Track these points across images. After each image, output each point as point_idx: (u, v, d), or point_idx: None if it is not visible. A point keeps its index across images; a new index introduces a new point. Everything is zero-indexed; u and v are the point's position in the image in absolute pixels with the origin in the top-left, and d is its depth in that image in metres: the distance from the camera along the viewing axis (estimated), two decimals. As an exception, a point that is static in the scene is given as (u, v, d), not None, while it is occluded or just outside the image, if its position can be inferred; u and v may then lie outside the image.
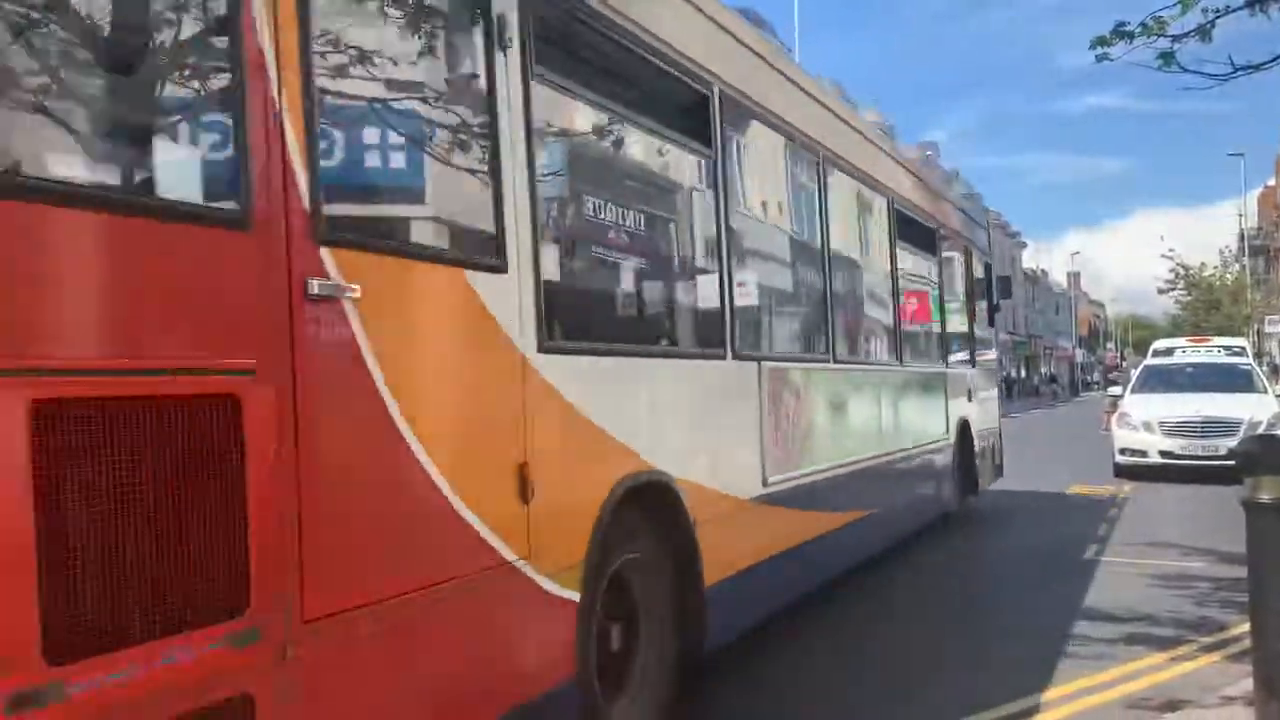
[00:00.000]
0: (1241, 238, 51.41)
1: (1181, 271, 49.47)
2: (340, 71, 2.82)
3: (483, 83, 3.35)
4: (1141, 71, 6.59)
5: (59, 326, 2.02)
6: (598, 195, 4.42)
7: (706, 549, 4.49)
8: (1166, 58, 6.22)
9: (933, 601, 7.26)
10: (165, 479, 2.16)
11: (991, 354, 12.90)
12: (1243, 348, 18.54)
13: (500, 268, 3.33)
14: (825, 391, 6.62)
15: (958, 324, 10.80)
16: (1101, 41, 6.28)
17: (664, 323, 4.99)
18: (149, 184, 2.34)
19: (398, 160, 3.13)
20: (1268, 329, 40.60)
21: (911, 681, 5.19)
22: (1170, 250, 51.81)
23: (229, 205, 2.37)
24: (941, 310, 10.03)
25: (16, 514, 1.88)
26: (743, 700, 4.88)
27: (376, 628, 2.70)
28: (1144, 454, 14.39)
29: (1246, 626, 4.60)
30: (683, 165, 5.13)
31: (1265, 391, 15.66)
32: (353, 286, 2.65)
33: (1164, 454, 14.18)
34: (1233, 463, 12.39)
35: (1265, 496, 4.00)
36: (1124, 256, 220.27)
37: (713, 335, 5.07)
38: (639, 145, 4.80)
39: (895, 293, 8.44)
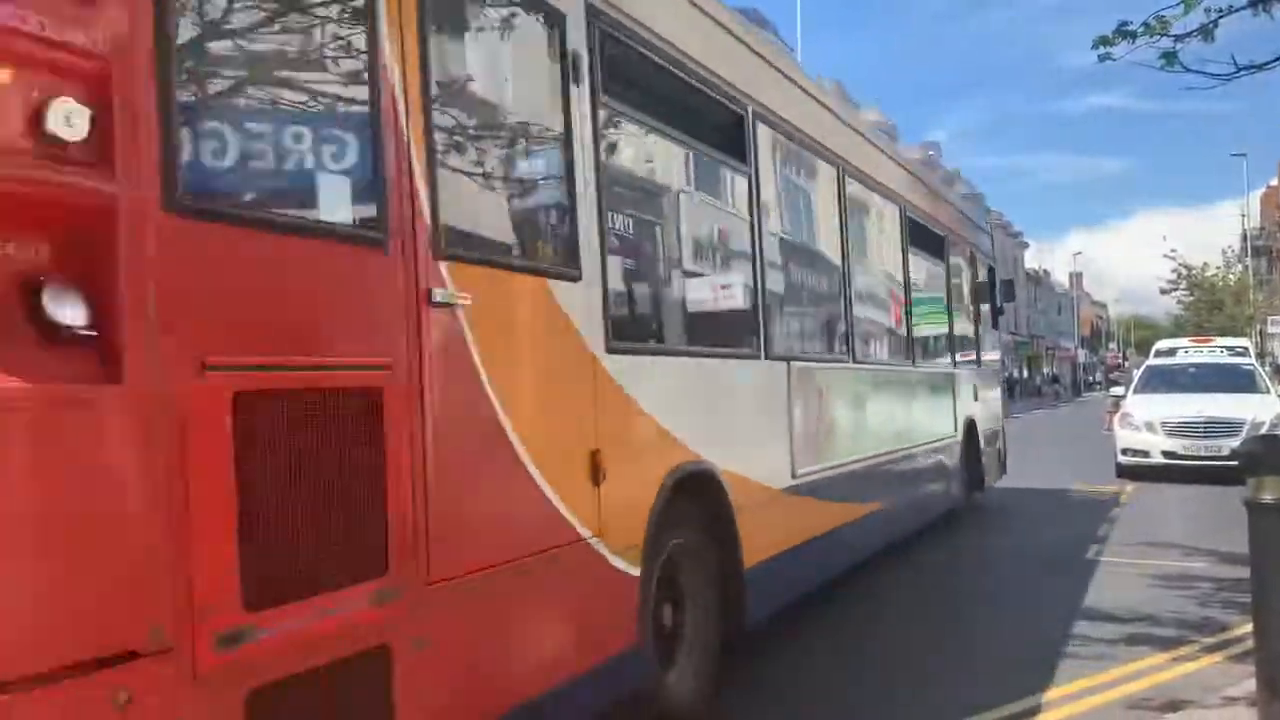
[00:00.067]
0: (1244, 238, 51.84)
1: (1184, 272, 49.70)
2: (454, 117, 3.30)
3: (560, 114, 3.84)
4: (1143, 71, 6.66)
5: (252, 330, 2.48)
6: (651, 210, 4.92)
7: (745, 535, 4.96)
8: (1169, 57, 6.28)
9: (934, 601, 7.39)
10: (327, 458, 2.62)
11: (995, 355, 13.43)
12: (1245, 348, 18.73)
13: (575, 276, 3.81)
14: (845, 390, 7.11)
15: (964, 326, 11.31)
16: (1104, 41, 6.36)
17: (706, 325, 5.46)
18: (314, 212, 2.81)
19: (497, 185, 3.59)
20: (1270, 329, 40.94)
21: (913, 681, 5.29)
22: (1172, 251, 52.29)
23: (372, 231, 2.84)
24: (949, 313, 10.54)
25: (224, 486, 2.33)
26: (741, 701, 4.97)
27: (482, 591, 3.16)
28: (1146, 454, 14.56)
29: (1249, 627, 4.60)
30: (723, 181, 5.62)
31: (1268, 392, 15.81)
32: (465, 295, 3.12)
33: (1166, 454, 14.33)
34: (1235, 463, 12.58)
35: (1268, 497, 4.04)
36: (1126, 257, 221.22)
37: (748, 337, 5.55)
38: (685, 163, 5.28)
39: (908, 296, 8.95)
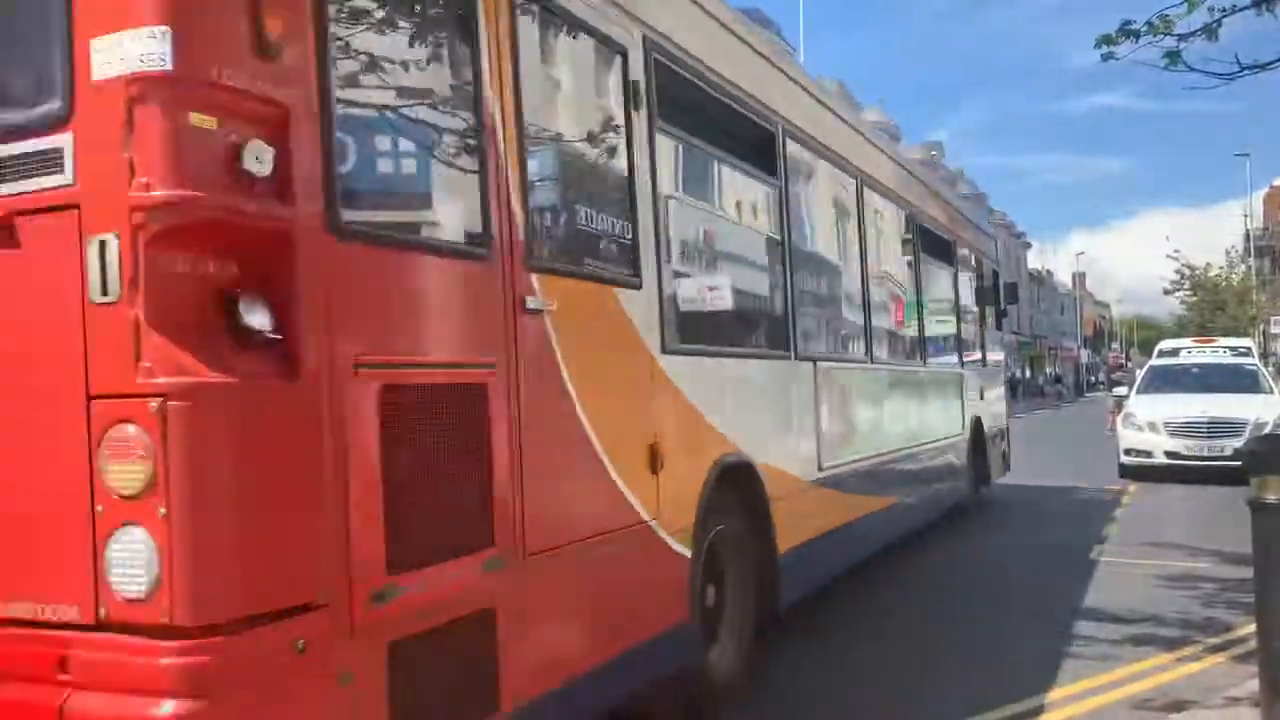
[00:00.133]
0: (1247, 238, 52.31)
1: (1187, 272, 50.05)
2: (540, 146, 3.79)
3: (624, 138, 4.33)
4: (1146, 71, 6.67)
5: (392, 333, 2.93)
6: (697, 222, 5.39)
7: (778, 523, 5.42)
8: (1173, 56, 6.34)
9: (939, 600, 7.54)
10: (447, 444, 3.08)
11: (1000, 356, 14.01)
12: (1248, 348, 18.97)
13: (637, 284, 4.28)
14: (865, 389, 7.62)
15: (971, 328, 11.88)
16: (1107, 40, 6.44)
17: (743, 327, 5.95)
18: (438, 231, 3.28)
19: (573, 204, 4.05)
20: (1274, 329, 41.40)
21: (916, 681, 5.41)
22: (1176, 251, 52.52)
23: (480, 248, 3.31)
24: (957, 315, 11.11)
25: (372, 466, 2.78)
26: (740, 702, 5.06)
27: (565, 565, 3.61)
28: (1149, 454, 14.75)
29: (1252, 627, 4.62)
30: (757, 194, 6.10)
31: (1271, 392, 16.01)
32: (550, 302, 3.57)
33: (1169, 454, 14.53)
34: (1238, 463, 12.89)
35: (1271, 497, 4.09)
36: (1129, 257, 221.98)
37: (780, 338, 6.03)
38: (724, 178, 5.75)
39: (919, 299, 9.49)
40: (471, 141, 3.31)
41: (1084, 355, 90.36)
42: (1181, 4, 6.19)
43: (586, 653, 3.76)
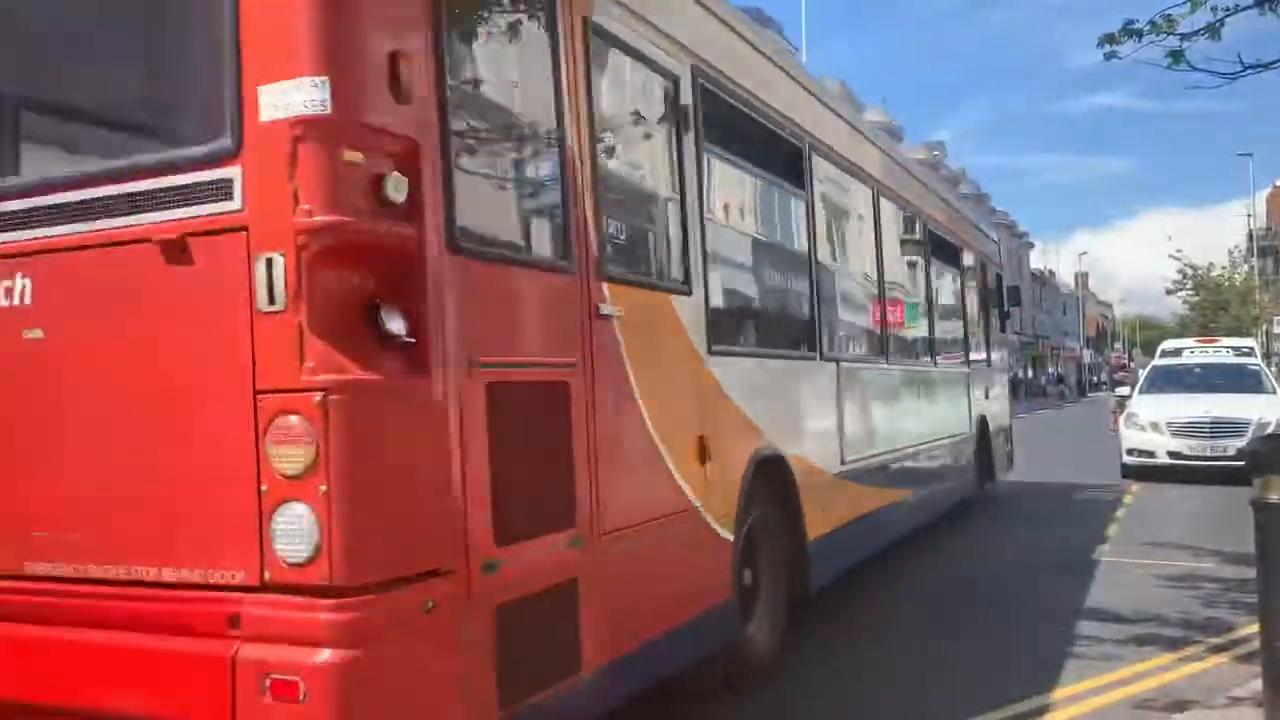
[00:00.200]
0: (1250, 238, 52.87)
1: (1190, 272, 50.53)
2: (609, 168, 4.27)
3: (676, 158, 4.83)
4: (1148, 71, 6.81)
5: (497, 336, 3.41)
6: (736, 232, 5.89)
7: (807, 512, 5.90)
8: (1176, 56, 6.44)
9: (939, 599, 7.66)
10: (539, 434, 3.56)
11: (1003, 357, 14.61)
12: (1251, 348, 19.17)
13: (687, 291, 4.76)
14: (882, 388, 8.18)
15: (977, 330, 12.47)
16: (1110, 40, 6.57)
17: (775, 330, 6.46)
18: (532, 247, 3.76)
19: (636, 219, 4.53)
20: (1276, 330, 41.95)
21: (918, 682, 5.50)
22: (1178, 251, 52.95)
23: (564, 260, 3.79)
24: (964, 318, 11.73)
25: (484, 452, 3.25)
26: (746, 701, 5.18)
27: (632, 543, 4.09)
28: (1152, 454, 14.95)
29: (1255, 627, 4.64)
30: (787, 206, 6.60)
31: (1274, 392, 16.13)
32: (619, 308, 4.04)
33: (1172, 454, 14.71)
34: (1241, 463, 12.60)
35: (1274, 496, 4.12)
36: (1131, 257, 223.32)
37: (807, 340, 6.52)
38: (760, 192, 6.26)
39: (930, 302, 10.07)
40: (555, 169, 3.81)
41: (1086, 355, 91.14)
42: (1184, 3, 6.30)
43: (650, 624, 4.24)
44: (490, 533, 3.27)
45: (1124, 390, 19.95)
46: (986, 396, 12.37)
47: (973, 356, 11.95)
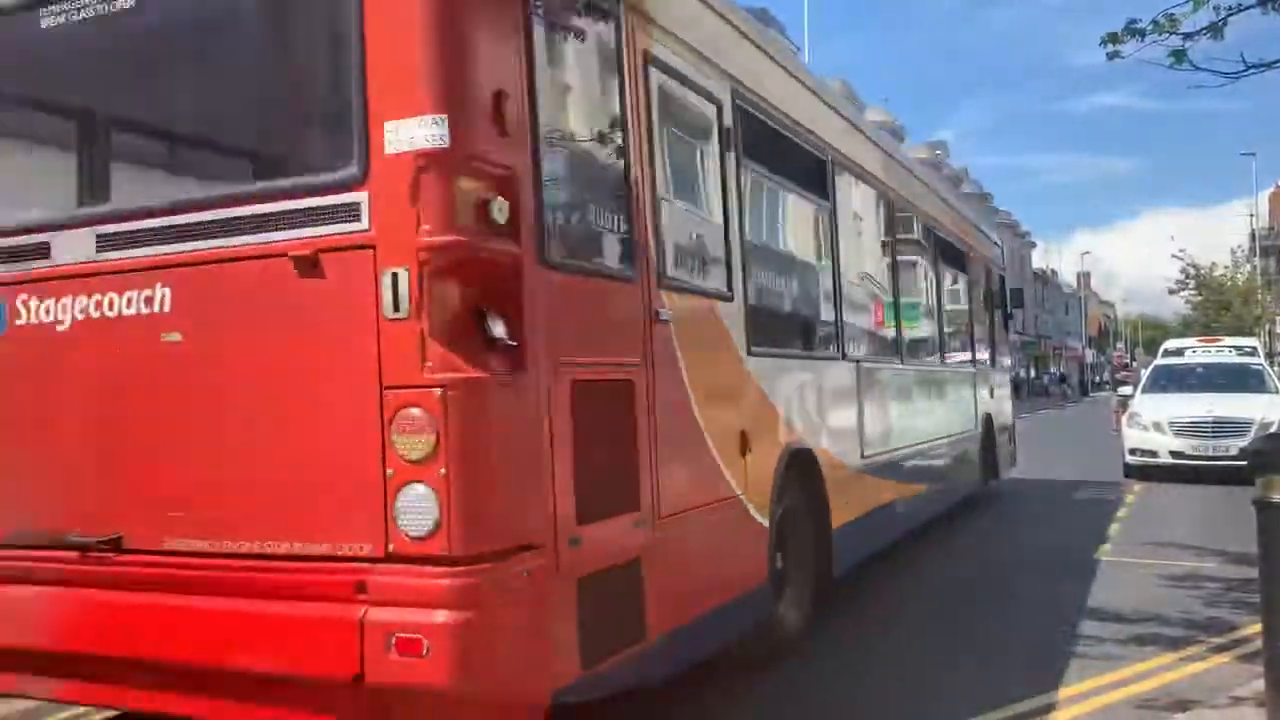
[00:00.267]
0: (1253, 237, 53.44)
1: (1192, 272, 50.98)
2: (665, 187, 4.77)
3: (720, 176, 5.37)
4: (1151, 70, 6.86)
5: (578, 338, 3.91)
6: (769, 241, 6.40)
7: (832, 503, 6.41)
8: (1178, 55, 6.54)
9: (942, 598, 7.81)
10: (610, 426, 4.06)
11: (1007, 358, 15.26)
12: (1254, 348, 19.39)
13: (730, 297, 5.28)
14: (897, 387, 8.76)
15: (981, 331, 13.08)
16: (1113, 39, 6.67)
17: (804, 331, 6.99)
18: (605, 260, 4.26)
19: (687, 232, 5.03)
20: (1279, 329, 42.48)
21: (921, 682, 5.59)
22: (1181, 250, 53.48)
23: (629, 271, 4.30)
24: (971, 320, 12.36)
25: (568, 440, 3.75)
26: (742, 704, 5.28)
27: (686, 526, 4.60)
28: (1154, 454, 15.13)
29: (1257, 627, 4.69)
30: (812, 216, 7.14)
31: (1276, 392, 16.21)
32: (673, 313, 4.55)
33: (1174, 454, 14.88)
34: (1244, 463, 12.32)
35: (1277, 496, 4.18)
36: (1134, 256, 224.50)
37: (832, 341, 7.04)
38: (789, 203, 6.80)
39: (939, 305, 10.68)
40: (622, 189, 4.34)
41: (1089, 355, 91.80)
42: (1187, 2, 6.40)
43: (701, 600, 4.75)
44: (573, 512, 3.77)
45: (1126, 390, 20.09)
46: (991, 395, 13.02)
47: (978, 357, 12.57)
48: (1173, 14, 6.45)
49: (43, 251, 3.99)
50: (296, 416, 3.55)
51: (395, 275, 3.35)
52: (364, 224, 3.42)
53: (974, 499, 12.04)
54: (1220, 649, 6.00)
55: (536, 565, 3.54)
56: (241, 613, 3.55)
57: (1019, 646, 6.27)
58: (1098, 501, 13.17)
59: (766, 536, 5.51)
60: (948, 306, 11.12)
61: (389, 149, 3.38)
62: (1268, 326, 45.32)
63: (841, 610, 6.88)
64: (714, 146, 5.32)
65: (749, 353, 5.46)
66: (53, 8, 3.98)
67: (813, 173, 6.98)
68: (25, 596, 3.93)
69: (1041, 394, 60.01)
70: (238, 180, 3.94)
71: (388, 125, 3.38)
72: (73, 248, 3.93)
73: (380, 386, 3.38)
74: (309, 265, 3.48)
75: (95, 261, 3.87)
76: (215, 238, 3.66)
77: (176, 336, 3.72)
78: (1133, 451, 15.58)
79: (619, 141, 4.33)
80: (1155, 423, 15.33)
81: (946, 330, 10.98)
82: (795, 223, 6.95)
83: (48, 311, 3.94)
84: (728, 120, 5.40)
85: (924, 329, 10.26)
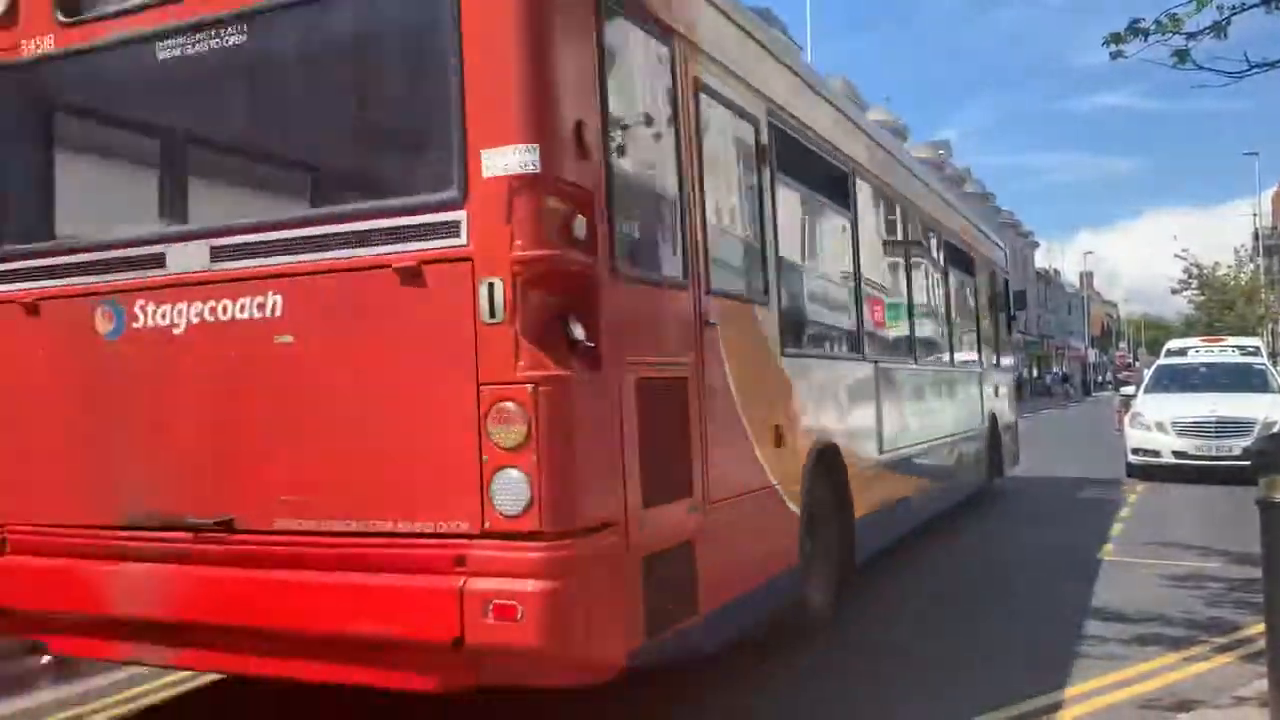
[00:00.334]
0: (1256, 237, 54.02)
1: (1195, 271, 51.47)
2: (712, 203, 5.30)
3: (758, 190, 5.91)
4: (1153, 70, 7.01)
5: (642, 341, 4.44)
6: (798, 249, 6.94)
7: (855, 495, 6.94)
8: (1182, 55, 6.68)
9: (944, 598, 7.97)
10: (667, 420, 4.58)
11: (1010, 358, 15.94)
12: (1257, 348, 19.61)
13: (766, 302, 5.79)
14: (911, 386, 9.36)
15: (987, 332, 13.72)
16: (1116, 39, 6.80)
17: (830, 333, 7.55)
18: (662, 271, 4.79)
19: (730, 243, 5.56)
20: (1282, 329, 42.96)
21: (925, 680, 5.72)
22: (1183, 250, 54.00)
23: (684, 279, 4.83)
24: (977, 321, 13.02)
25: (633, 431, 4.26)
26: (743, 702, 5.44)
27: (731, 512, 5.12)
28: (1157, 454, 15.39)
29: (1260, 627, 4.81)
30: (836, 225, 7.70)
31: (1279, 391, 16.50)
32: (719, 317, 5.06)
33: (1177, 454, 15.12)
34: (1247, 462, 12.59)
35: None
36: (1136, 256, 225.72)
37: (854, 343, 7.59)
38: (816, 213, 7.35)
39: (948, 307, 11.30)
40: (676, 204, 4.87)
41: (1091, 355, 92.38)
42: (1190, 2, 6.53)
43: (744, 579, 5.28)
44: (640, 496, 4.28)
45: (1129, 390, 20.39)
46: (996, 395, 13.67)
47: (984, 357, 13.21)
48: (1175, 14, 6.61)
49: (158, 261, 4.50)
50: (398, 409, 4.06)
51: (492, 285, 3.86)
52: (463, 239, 3.94)
53: (979, 496, 12.60)
54: (1223, 649, 6.11)
55: (612, 542, 4.06)
56: (351, 584, 4.06)
57: (1022, 645, 6.44)
58: (1100, 501, 13.42)
59: (798, 524, 6.03)
60: (955, 308, 11.75)
61: (486, 173, 3.89)
62: (1271, 326, 45.84)
63: (846, 607, 7.04)
64: (751, 162, 5.87)
65: (783, 354, 5.99)
66: (169, 41, 4.49)
67: (836, 184, 7.54)
68: (145, 572, 4.43)
69: (1044, 394, 60.59)
70: (342, 200, 4.47)
71: (484, 153, 3.90)
72: (187, 258, 4.44)
73: (477, 383, 3.90)
74: (412, 275, 4.00)
75: (210, 271, 4.38)
76: (324, 250, 4.18)
77: (288, 338, 4.23)
78: (1135, 451, 15.88)
79: (674, 161, 4.86)
80: (1158, 422, 15.59)
81: (955, 331, 11.63)
82: (821, 231, 7.50)
83: (164, 315, 4.45)
84: (764, 138, 5.93)
85: (935, 331, 10.89)
